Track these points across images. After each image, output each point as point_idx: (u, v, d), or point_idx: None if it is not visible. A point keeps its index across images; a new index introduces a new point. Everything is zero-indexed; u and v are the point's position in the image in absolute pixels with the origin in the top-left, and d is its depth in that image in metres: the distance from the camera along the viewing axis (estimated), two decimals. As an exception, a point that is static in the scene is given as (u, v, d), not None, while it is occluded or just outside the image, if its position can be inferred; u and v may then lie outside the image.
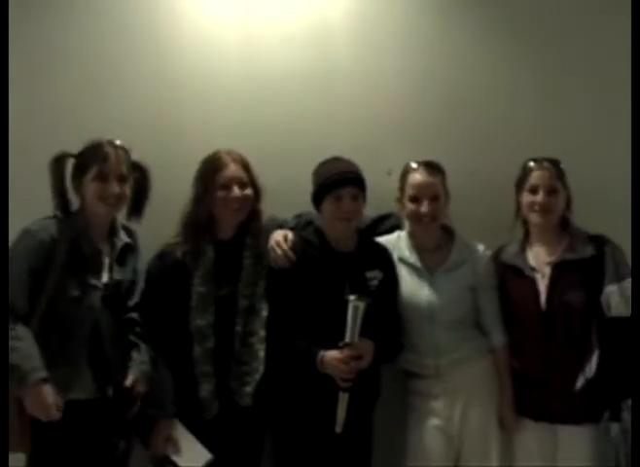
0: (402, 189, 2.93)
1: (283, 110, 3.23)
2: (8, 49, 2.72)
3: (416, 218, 2.89)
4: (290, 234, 2.82)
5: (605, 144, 3.29)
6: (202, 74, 3.22)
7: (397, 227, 3.05)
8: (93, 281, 2.62)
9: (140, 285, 2.76)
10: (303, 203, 2.90)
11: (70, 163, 2.66)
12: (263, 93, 3.23)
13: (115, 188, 2.63)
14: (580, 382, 2.79)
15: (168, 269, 2.74)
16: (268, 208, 2.88)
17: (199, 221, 2.75)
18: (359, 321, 2.62)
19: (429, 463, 2.86)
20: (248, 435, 2.78)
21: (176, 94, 3.19)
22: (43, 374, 2.45)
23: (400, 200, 2.95)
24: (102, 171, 2.62)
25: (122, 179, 2.65)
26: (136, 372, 2.65)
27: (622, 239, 2.79)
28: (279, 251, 2.77)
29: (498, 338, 2.90)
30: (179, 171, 2.89)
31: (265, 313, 2.76)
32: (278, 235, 2.81)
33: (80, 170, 2.65)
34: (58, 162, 2.65)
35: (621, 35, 3.11)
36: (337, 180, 2.74)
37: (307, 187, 2.84)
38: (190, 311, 2.71)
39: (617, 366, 2.73)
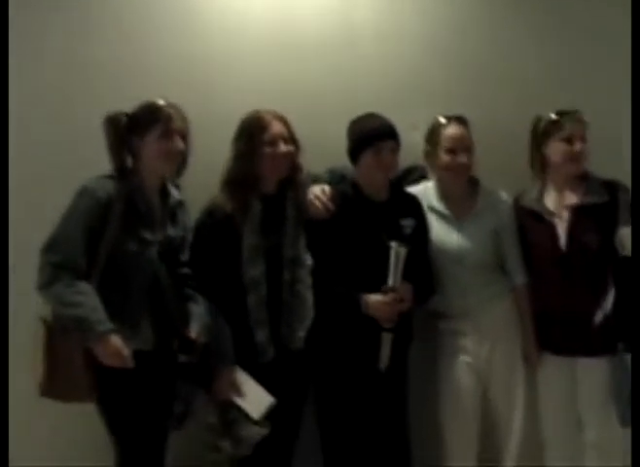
0: (434, 142, 3.07)
1: (313, 69, 3.33)
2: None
3: (453, 168, 3.03)
4: (327, 188, 2.96)
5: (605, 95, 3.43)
6: (235, 34, 3.30)
7: (423, 177, 3.21)
8: (150, 237, 2.67)
9: (189, 241, 2.84)
10: (335, 157, 3.06)
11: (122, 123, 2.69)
12: (293, 53, 3.32)
13: (180, 144, 2.69)
14: (598, 317, 2.95)
15: (219, 224, 2.81)
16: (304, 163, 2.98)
17: (246, 177, 2.84)
18: (401, 266, 2.80)
19: (460, 397, 3.06)
20: (299, 378, 2.91)
21: (208, 54, 3.27)
22: (109, 325, 2.51)
23: (431, 153, 3.09)
24: (168, 129, 2.66)
25: (184, 136, 2.71)
26: (198, 323, 2.74)
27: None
28: (319, 204, 2.91)
29: (520, 277, 3.08)
30: (214, 130, 2.99)
31: (309, 262, 2.88)
32: (316, 189, 2.94)
33: (140, 129, 2.68)
34: (114, 121, 2.68)
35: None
36: (378, 134, 2.88)
37: (338, 142, 2.98)
38: (242, 263, 2.80)
39: (631, 301, 2.85)
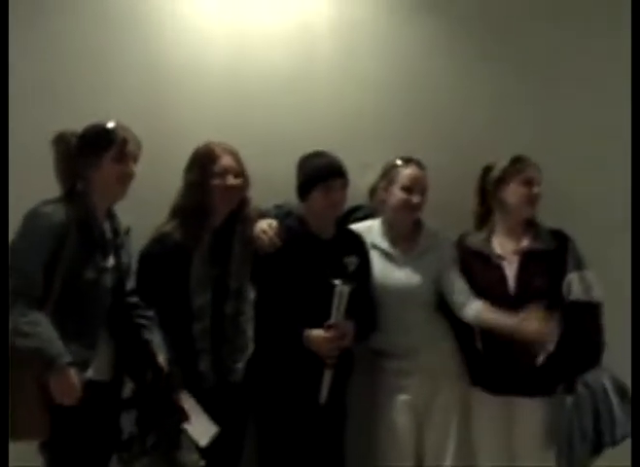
0: (390, 180, 3.12)
1: (267, 106, 3.37)
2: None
3: (407, 207, 3.09)
4: (274, 223, 3.00)
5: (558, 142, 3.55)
6: (192, 71, 3.33)
7: (368, 216, 3.27)
8: (105, 263, 2.63)
9: (133, 268, 2.82)
10: (283, 194, 3.12)
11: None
12: (248, 90, 3.36)
13: (133, 168, 2.68)
14: (541, 358, 3.02)
15: (167, 252, 2.83)
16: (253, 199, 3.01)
17: (196, 207, 2.86)
18: (343, 304, 2.85)
19: (397, 436, 3.09)
20: (239, 409, 2.94)
21: (165, 89, 3.29)
22: (68, 357, 2.45)
23: (383, 191, 3.14)
24: (122, 153, 2.64)
25: (135, 161, 2.69)
26: (162, 352, 2.71)
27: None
28: (265, 238, 2.96)
29: (477, 304, 3.04)
30: (166, 162, 3.03)
31: (252, 296, 2.92)
32: (263, 224, 2.99)
33: (92, 151, 2.63)
34: (64, 142, 2.64)
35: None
36: (329, 172, 2.95)
37: (287, 179, 3.04)
38: (189, 291, 2.83)
39: (574, 344, 3.00)
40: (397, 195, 3.10)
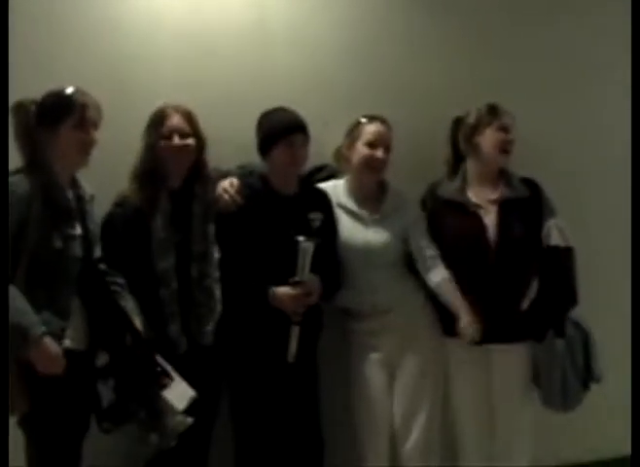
0: (353, 137, 3.13)
1: (224, 66, 3.33)
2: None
3: (370, 163, 3.10)
4: (235, 181, 3.00)
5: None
6: (151, 34, 3.27)
7: (331, 176, 3.27)
8: (72, 231, 2.58)
9: (98, 235, 2.77)
10: (245, 153, 3.11)
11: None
12: (205, 49, 3.31)
13: (94, 135, 2.62)
14: (525, 304, 3.10)
15: (128, 217, 2.82)
16: (212, 159, 2.99)
17: (149, 170, 2.85)
18: (308, 260, 2.84)
19: (372, 395, 3.12)
20: (211, 372, 2.92)
21: (123, 52, 3.24)
22: (43, 327, 2.41)
23: (348, 149, 3.15)
24: (83, 119, 2.58)
25: (96, 127, 2.63)
26: (139, 318, 2.70)
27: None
28: (227, 196, 2.95)
29: (439, 274, 3.11)
30: (126, 126, 2.96)
31: (216, 256, 2.90)
32: (225, 183, 2.98)
33: (52, 119, 2.56)
34: (22, 110, 2.56)
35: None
36: (290, 127, 2.94)
37: (249, 138, 3.03)
38: (152, 256, 2.81)
39: (555, 287, 3.10)
40: (361, 151, 3.11)
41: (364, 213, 3.14)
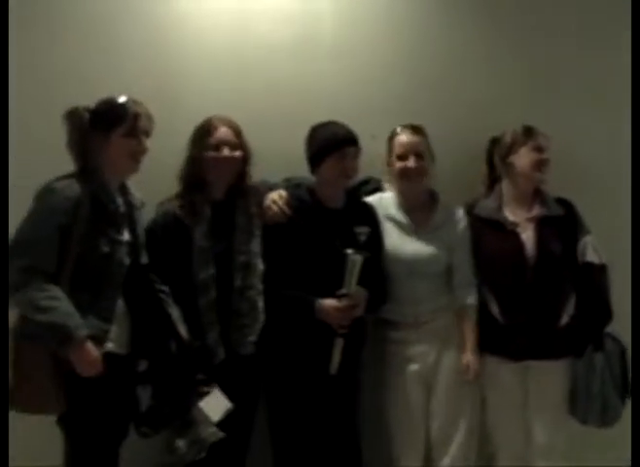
0: (390, 150, 3.16)
1: (271, 80, 3.38)
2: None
3: (404, 174, 3.12)
4: (283, 192, 3.02)
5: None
6: (196, 47, 3.35)
7: (377, 189, 3.28)
8: (119, 237, 2.62)
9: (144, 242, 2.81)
10: (293, 167, 3.14)
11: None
12: (252, 64, 3.37)
13: (145, 144, 2.67)
14: (564, 320, 3.13)
15: (170, 226, 2.86)
16: (258, 171, 3.04)
17: (194, 181, 2.90)
18: (356, 273, 2.85)
19: (408, 406, 3.12)
20: (249, 382, 2.95)
21: (172, 65, 3.31)
22: (85, 330, 2.46)
23: (388, 163, 3.18)
24: (134, 128, 2.63)
25: (147, 135, 2.68)
26: (183, 326, 2.74)
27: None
28: (275, 208, 2.97)
29: (472, 298, 3.14)
30: (174, 136, 2.98)
31: (260, 268, 2.93)
32: (273, 194, 3.01)
33: (104, 126, 2.61)
34: (76, 117, 2.61)
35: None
36: (343, 140, 2.96)
37: (296, 152, 3.06)
38: (192, 265, 2.85)
39: (591, 303, 3.14)
40: (394, 164, 3.14)
41: (412, 224, 3.16)
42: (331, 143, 2.96)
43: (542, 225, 3.17)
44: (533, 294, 3.10)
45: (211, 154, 2.89)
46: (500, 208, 3.21)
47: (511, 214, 3.20)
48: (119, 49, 3.29)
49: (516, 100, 3.56)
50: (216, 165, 2.90)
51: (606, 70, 3.62)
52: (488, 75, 3.58)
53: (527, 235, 3.15)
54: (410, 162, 3.10)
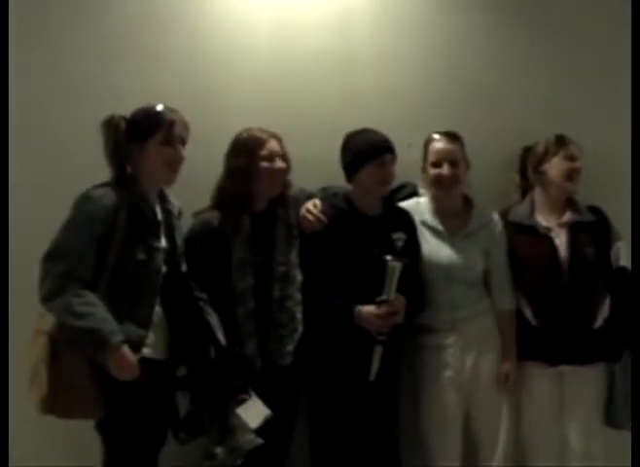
0: (425, 157, 3.18)
1: (308, 89, 3.40)
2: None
3: (438, 181, 3.13)
4: (318, 202, 3.03)
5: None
6: (234, 55, 3.36)
7: (413, 194, 3.29)
8: (156, 244, 2.63)
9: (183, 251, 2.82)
10: (326, 176, 3.16)
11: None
12: (290, 73, 3.39)
13: (182, 152, 2.68)
14: (598, 323, 3.14)
15: (210, 236, 2.87)
16: (294, 181, 3.05)
17: (239, 194, 2.90)
18: (395, 280, 2.86)
19: (444, 412, 3.11)
20: (288, 392, 2.96)
21: (209, 73, 3.32)
22: (121, 336, 2.46)
23: (423, 169, 3.19)
24: (170, 136, 2.64)
25: (183, 143, 2.70)
26: (222, 333, 2.75)
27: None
28: (311, 217, 2.98)
29: (511, 303, 3.17)
30: (211, 145, 3.01)
31: (299, 279, 2.94)
32: (308, 204, 3.02)
33: (141, 135, 2.63)
34: (113, 125, 2.61)
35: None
36: (381, 147, 2.97)
37: (330, 161, 3.07)
38: (231, 275, 2.86)
39: (624, 307, 3.13)
40: (429, 171, 3.16)
41: (447, 230, 3.16)
42: (369, 150, 2.97)
43: (574, 230, 3.20)
44: (568, 297, 3.12)
45: (265, 165, 2.90)
46: (532, 214, 3.25)
47: (543, 220, 3.23)
48: (156, 55, 3.31)
49: (552, 109, 3.57)
50: (270, 177, 2.91)
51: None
52: (524, 84, 3.58)
53: (560, 240, 3.18)
54: (445, 170, 3.11)
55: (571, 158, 3.21)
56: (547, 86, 3.58)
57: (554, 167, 3.21)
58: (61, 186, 2.92)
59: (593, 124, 3.51)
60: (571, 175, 3.20)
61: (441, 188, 3.15)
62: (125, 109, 2.69)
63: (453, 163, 3.12)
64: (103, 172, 2.64)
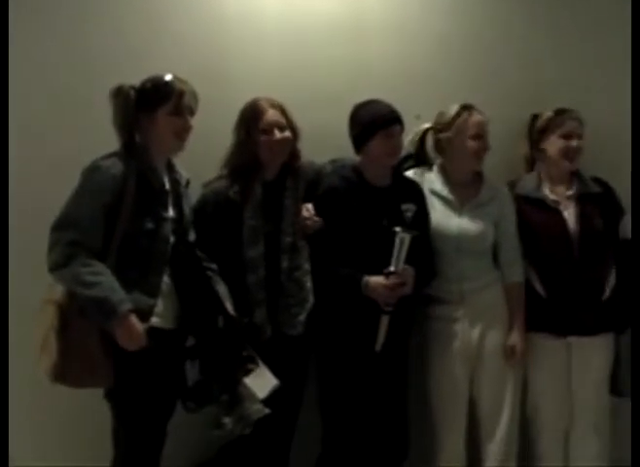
0: (459, 129, 3.10)
1: (318, 58, 3.38)
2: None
3: (478, 154, 3.12)
4: (309, 206, 2.97)
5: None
6: (244, 23, 3.34)
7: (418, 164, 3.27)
8: (164, 214, 2.64)
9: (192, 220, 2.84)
10: (338, 146, 3.12)
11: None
12: (301, 42, 3.37)
13: (190, 122, 2.68)
14: (606, 293, 3.16)
15: (221, 204, 2.89)
16: (305, 151, 3.03)
17: (247, 164, 2.90)
18: (404, 251, 2.85)
19: (452, 382, 3.12)
20: (297, 362, 2.98)
21: (219, 43, 3.31)
22: (129, 304, 2.47)
23: (450, 140, 3.12)
24: (179, 106, 2.64)
25: (192, 114, 2.70)
26: (230, 302, 2.76)
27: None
28: (310, 223, 2.95)
29: (519, 275, 3.17)
30: (220, 115, 3.00)
31: (307, 249, 2.95)
32: (303, 213, 2.96)
33: (150, 104, 2.63)
34: (122, 95, 2.61)
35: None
36: (389, 119, 2.95)
37: (338, 130, 3.05)
38: (242, 243, 2.88)
39: (631, 278, 3.12)
40: (467, 143, 3.10)
41: (458, 201, 3.15)
42: (378, 122, 2.95)
43: (582, 202, 3.20)
44: (577, 269, 3.12)
45: (263, 137, 2.89)
46: (539, 187, 3.24)
47: (550, 192, 3.23)
48: (166, 27, 3.29)
49: (561, 81, 3.54)
50: (269, 148, 2.90)
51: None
52: (531, 54, 3.56)
53: (569, 213, 3.19)
54: (484, 143, 3.11)
55: (569, 136, 3.19)
56: (557, 55, 3.56)
57: (552, 146, 3.22)
58: (69, 155, 2.93)
59: (602, 93, 3.51)
60: (568, 154, 3.20)
61: (479, 161, 3.14)
62: (138, 78, 2.69)
63: (487, 136, 3.13)
64: (111, 143, 2.65)
